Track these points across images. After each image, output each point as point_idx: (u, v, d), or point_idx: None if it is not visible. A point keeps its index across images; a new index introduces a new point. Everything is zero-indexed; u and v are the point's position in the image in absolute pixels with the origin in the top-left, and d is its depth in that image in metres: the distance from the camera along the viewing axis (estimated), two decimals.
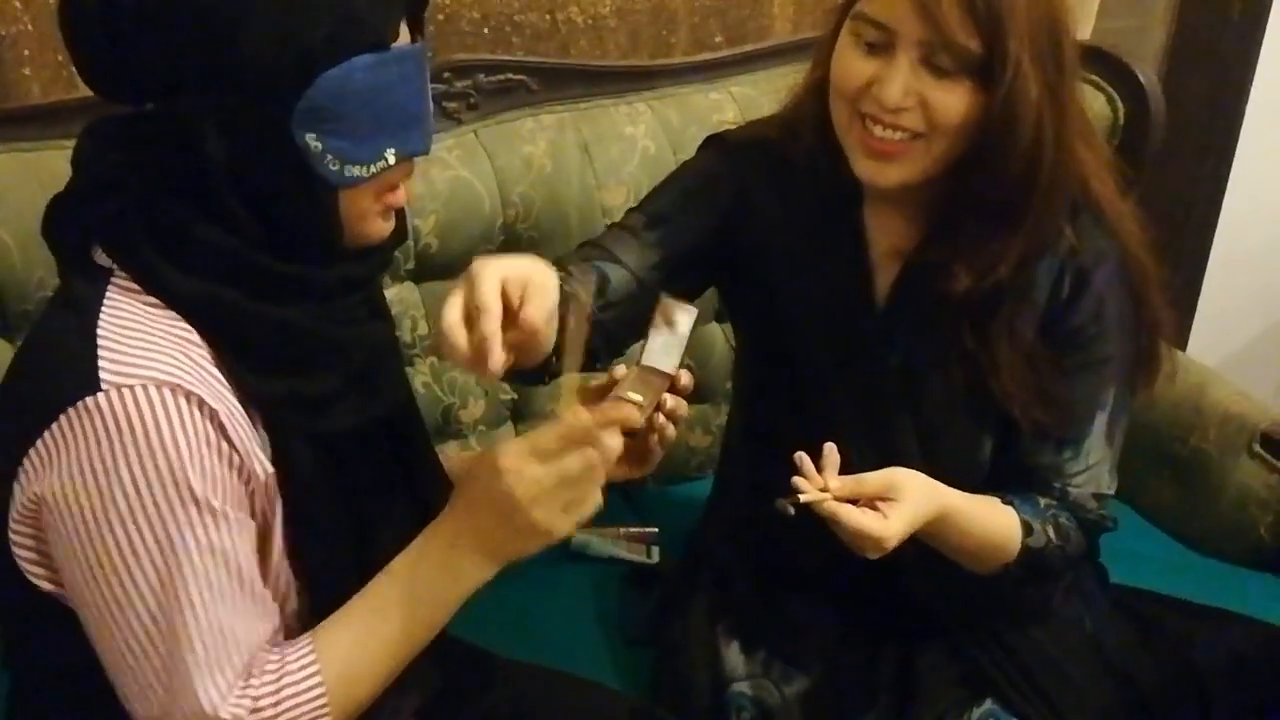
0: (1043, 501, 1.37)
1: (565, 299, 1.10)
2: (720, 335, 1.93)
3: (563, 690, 1.40)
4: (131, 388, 0.96)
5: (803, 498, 1.18)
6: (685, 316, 1.18)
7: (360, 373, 1.11)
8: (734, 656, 1.46)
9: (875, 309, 1.38)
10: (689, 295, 1.22)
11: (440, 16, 1.83)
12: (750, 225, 1.41)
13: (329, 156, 1.00)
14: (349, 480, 1.13)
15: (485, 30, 1.87)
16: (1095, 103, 1.95)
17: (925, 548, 1.30)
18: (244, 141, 0.99)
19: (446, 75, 1.74)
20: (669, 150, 1.84)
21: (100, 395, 0.96)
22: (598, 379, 1.18)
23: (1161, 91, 1.97)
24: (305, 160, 1.00)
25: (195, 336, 1.02)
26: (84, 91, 1.06)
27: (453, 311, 0.99)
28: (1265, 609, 1.62)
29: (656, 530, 1.79)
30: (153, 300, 1.02)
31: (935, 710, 1.38)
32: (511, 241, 1.78)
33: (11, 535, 1.03)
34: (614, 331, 1.34)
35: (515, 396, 1.86)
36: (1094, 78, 1.95)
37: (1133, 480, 1.65)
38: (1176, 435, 1.94)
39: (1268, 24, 2.49)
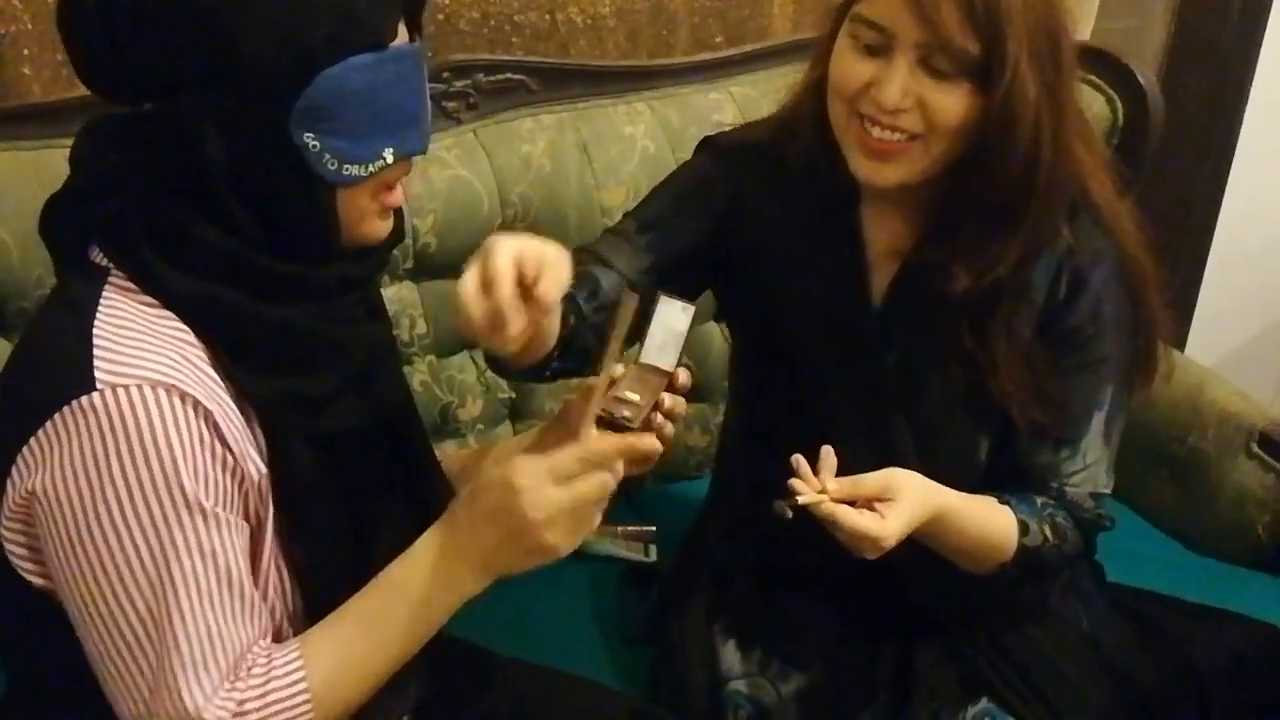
0: (1039, 501, 1.37)
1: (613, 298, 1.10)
2: (718, 334, 1.93)
3: (561, 689, 1.40)
4: (126, 387, 0.97)
5: (800, 499, 1.18)
6: (683, 314, 1.18)
7: (358, 372, 1.11)
8: (730, 655, 1.46)
9: (872, 309, 1.38)
10: (684, 298, 1.22)
11: (440, 16, 1.83)
12: (746, 227, 1.41)
13: (327, 156, 1.01)
14: (347, 480, 1.13)
15: (485, 30, 1.87)
16: (1095, 103, 1.95)
17: (922, 548, 1.30)
18: (242, 141, 0.99)
19: (446, 75, 1.74)
20: (668, 150, 1.85)
21: (95, 395, 0.96)
22: (596, 378, 1.18)
23: (1161, 92, 1.97)
24: (304, 159, 1.00)
25: (191, 337, 1.02)
26: (84, 91, 1.06)
27: (469, 283, 1.00)
28: (1263, 608, 1.63)
29: (654, 529, 1.79)
30: (149, 300, 1.02)
31: (931, 709, 1.38)
32: None
33: (4, 531, 1.03)
34: (607, 335, 1.34)
35: (514, 395, 1.86)
36: (1093, 78, 1.95)
37: (1131, 480, 1.65)
38: (1174, 435, 1.94)
39: (1267, 24, 2.49)
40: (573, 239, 1.66)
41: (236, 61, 0.97)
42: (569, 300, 1.25)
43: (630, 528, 1.79)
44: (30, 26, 1.62)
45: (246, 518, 1.05)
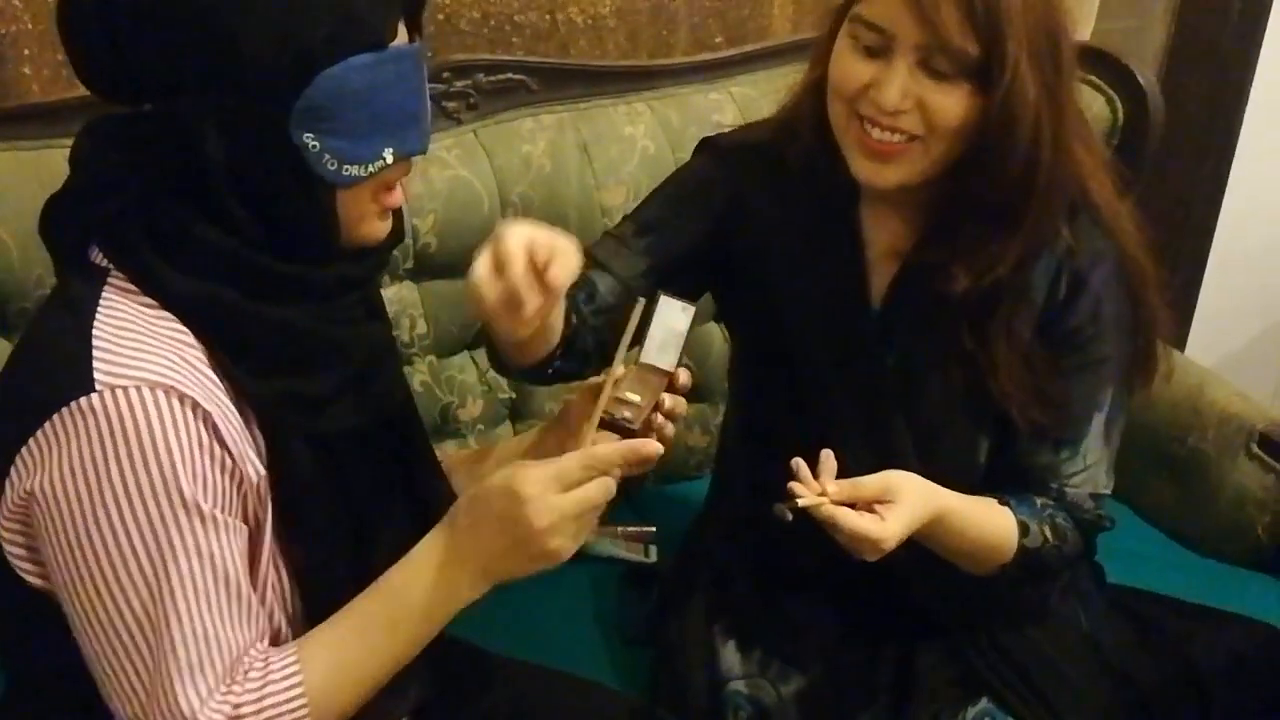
0: (1039, 501, 1.37)
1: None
2: (719, 334, 1.93)
3: (561, 690, 1.40)
4: (125, 389, 0.97)
5: (800, 502, 1.18)
6: (683, 314, 1.18)
7: (358, 373, 1.11)
8: (730, 655, 1.46)
9: (872, 309, 1.38)
10: (685, 298, 1.23)
11: (440, 16, 1.83)
12: (745, 228, 1.41)
13: (327, 156, 1.01)
14: (346, 481, 1.13)
15: (485, 30, 1.87)
16: (1095, 103, 1.96)
17: (922, 549, 1.30)
18: (242, 141, 0.99)
19: (446, 75, 1.74)
20: (668, 150, 1.85)
21: (94, 396, 0.96)
22: (596, 378, 1.19)
23: (1161, 92, 1.97)
24: (303, 160, 1.00)
25: (190, 338, 1.02)
26: (84, 91, 1.06)
27: (482, 266, 1.01)
28: (1263, 609, 1.63)
29: (654, 529, 1.79)
30: (149, 301, 1.02)
31: (931, 709, 1.38)
32: None
33: (3, 532, 1.03)
34: (605, 338, 1.34)
35: (514, 396, 1.86)
36: (1093, 79, 1.95)
37: (1131, 480, 1.65)
38: (1174, 435, 1.94)
39: (1267, 24, 2.49)
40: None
41: (236, 61, 0.97)
42: (569, 300, 1.25)
43: (630, 528, 1.79)
44: (30, 26, 1.62)
45: (245, 520, 1.05)
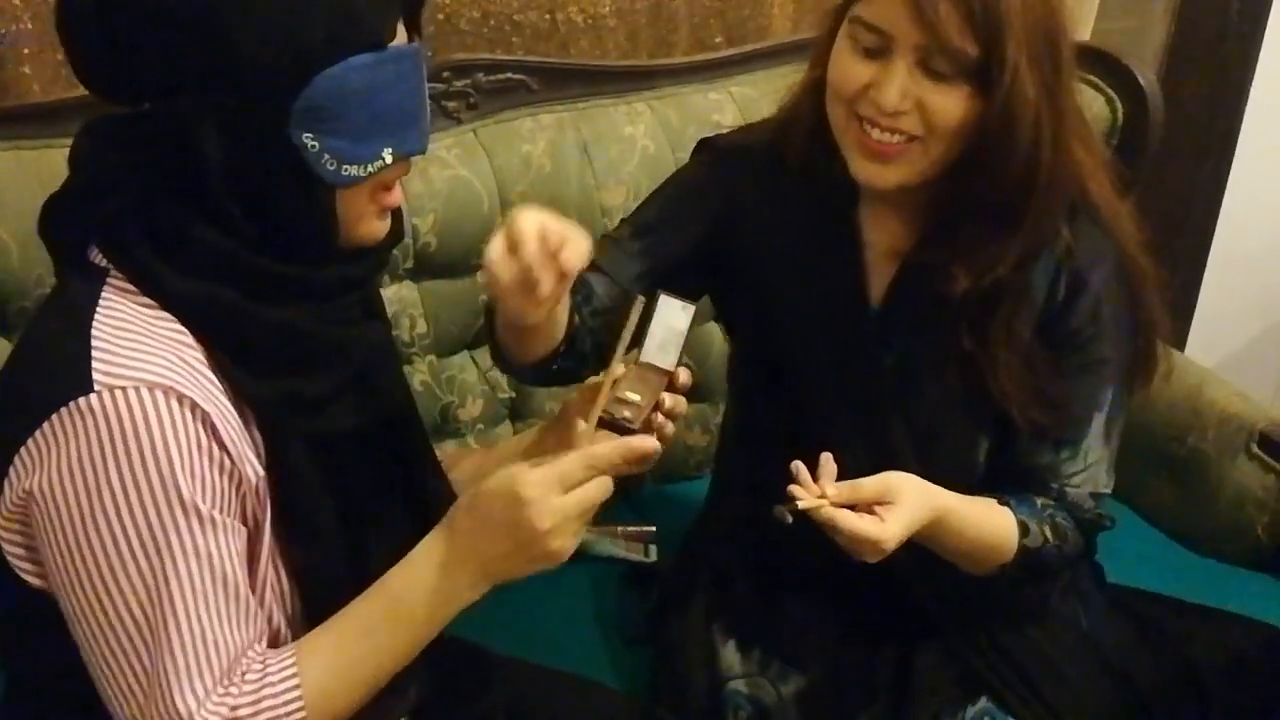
0: (1039, 501, 1.37)
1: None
2: (718, 334, 1.93)
3: (561, 690, 1.41)
4: (124, 389, 0.97)
5: (800, 505, 1.18)
6: (683, 314, 1.18)
7: (358, 373, 1.11)
8: (730, 655, 1.46)
9: (871, 310, 1.38)
10: (684, 298, 1.23)
11: (440, 16, 1.83)
12: (742, 229, 1.41)
13: (326, 156, 1.01)
14: (346, 481, 1.13)
15: (485, 30, 1.87)
16: (1094, 103, 1.96)
17: (922, 550, 1.30)
18: (241, 141, 0.99)
19: (446, 74, 1.74)
20: (668, 150, 1.85)
21: (93, 396, 0.96)
22: (595, 378, 1.19)
23: (1160, 92, 1.97)
24: (302, 160, 1.00)
25: (189, 338, 1.02)
26: (84, 90, 1.06)
27: (496, 247, 1.02)
28: (1262, 609, 1.63)
29: (654, 529, 1.79)
30: (148, 301, 1.02)
31: (930, 709, 1.38)
32: None
33: (1, 532, 1.03)
34: (603, 340, 1.34)
35: (514, 395, 1.86)
36: (1093, 78, 1.95)
37: (1130, 480, 1.65)
38: (1174, 435, 1.94)
39: (1267, 25, 2.49)
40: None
41: (235, 62, 0.97)
42: (570, 298, 1.26)
43: (630, 528, 1.79)
44: (30, 26, 1.62)
45: (244, 520, 1.05)
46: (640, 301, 1.14)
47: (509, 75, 1.79)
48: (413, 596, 1.07)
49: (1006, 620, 1.45)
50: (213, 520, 1.00)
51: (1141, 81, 1.94)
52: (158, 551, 0.98)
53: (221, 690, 1.01)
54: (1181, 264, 2.62)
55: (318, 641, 1.07)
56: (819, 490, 1.19)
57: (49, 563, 1.01)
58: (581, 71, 1.85)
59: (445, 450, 1.44)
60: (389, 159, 1.04)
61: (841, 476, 1.22)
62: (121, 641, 0.99)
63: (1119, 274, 1.34)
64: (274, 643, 1.09)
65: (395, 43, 1.03)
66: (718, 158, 1.46)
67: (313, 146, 1.00)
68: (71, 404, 0.96)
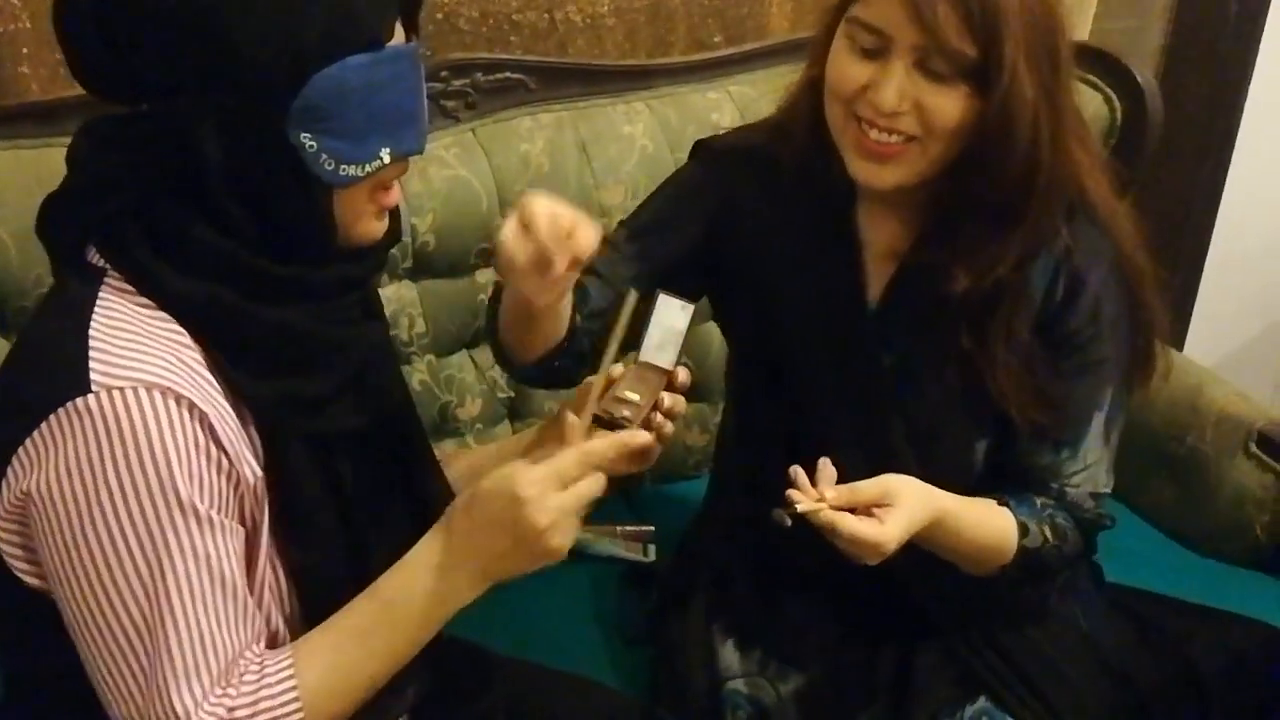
0: (1039, 501, 1.37)
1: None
2: (718, 333, 1.92)
3: (560, 689, 1.41)
4: (122, 390, 0.97)
5: (799, 508, 1.18)
6: (682, 313, 1.18)
7: (357, 373, 1.11)
8: (729, 655, 1.46)
9: (869, 309, 1.38)
10: (683, 297, 1.23)
11: (438, 15, 1.83)
12: (740, 230, 1.41)
13: (324, 156, 1.01)
14: (345, 481, 1.13)
15: (483, 29, 1.87)
16: (1093, 103, 1.96)
17: (921, 551, 1.30)
18: (240, 141, 0.99)
19: (444, 74, 1.74)
20: (667, 150, 1.85)
21: (90, 397, 0.96)
22: (592, 378, 1.19)
23: (1159, 91, 1.97)
24: (300, 160, 1.00)
25: (187, 338, 1.02)
26: (82, 90, 1.06)
27: (509, 228, 1.04)
28: (1262, 608, 1.63)
29: (653, 529, 1.79)
30: (145, 301, 1.02)
31: (929, 709, 1.38)
32: None
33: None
34: (606, 333, 1.34)
35: (512, 394, 1.86)
36: (1092, 78, 1.95)
37: (1129, 480, 1.65)
38: (1173, 435, 1.94)
39: (1265, 24, 2.49)
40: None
41: (233, 62, 0.96)
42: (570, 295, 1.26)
43: (629, 527, 1.79)
44: (29, 25, 1.62)
45: (242, 521, 1.05)
46: (633, 295, 1.14)
47: (507, 74, 1.79)
48: (410, 597, 1.07)
49: (1006, 620, 1.44)
50: (210, 520, 1.00)
51: (1140, 81, 1.94)
52: (155, 552, 0.98)
53: (219, 691, 1.01)
54: (1180, 263, 2.62)
55: (316, 642, 1.07)
56: (817, 494, 1.19)
57: (47, 563, 1.00)
58: (580, 71, 1.85)
59: (443, 449, 1.44)
60: (387, 159, 1.04)
61: (840, 476, 1.22)
62: (119, 642, 0.99)
63: (1117, 273, 1.34)
64: (272, 643, 1.09)
65: (393, 42, 1.03)
66: (714, 159, 1.46)
67: (311, 146, 1.00)
68: (69, 404, 0.96)
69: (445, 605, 1.08)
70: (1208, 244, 2.68)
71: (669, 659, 1.53)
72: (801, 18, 2.05)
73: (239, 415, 1.04)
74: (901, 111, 1.21)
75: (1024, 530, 1.34)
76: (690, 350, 1.84)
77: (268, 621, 1.09)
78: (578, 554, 1.74)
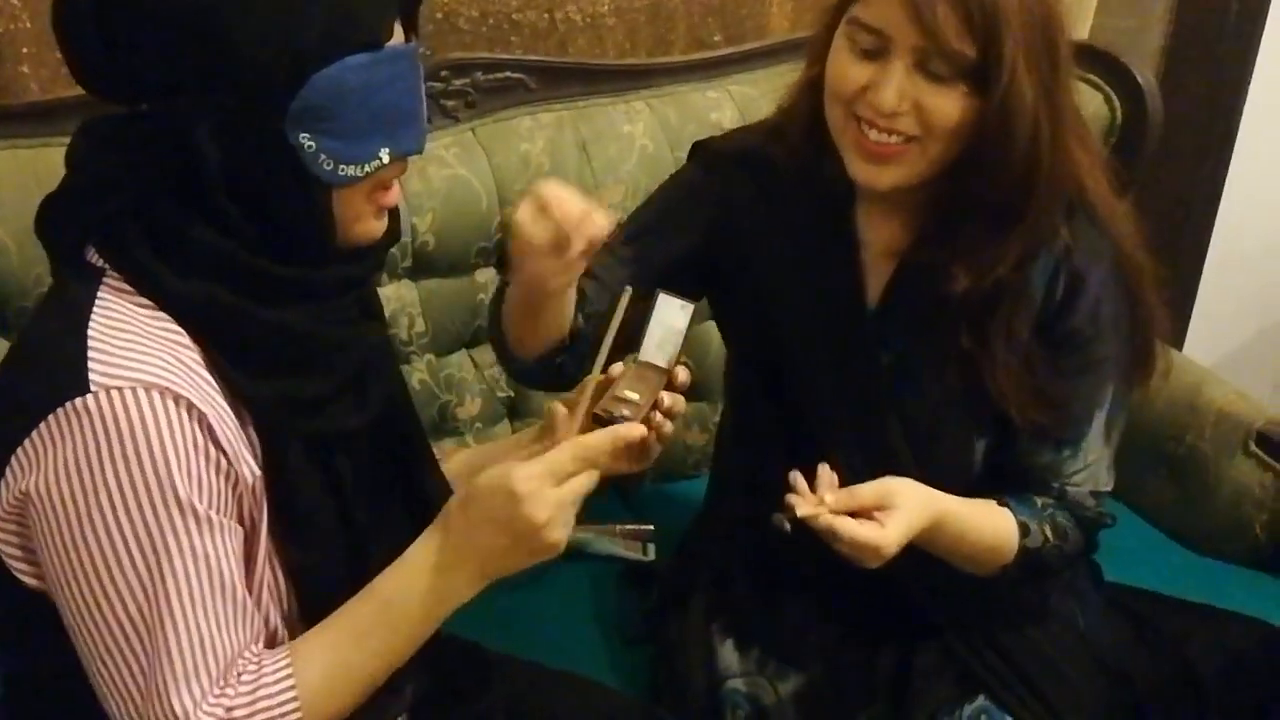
0: (1040, 501, 1.37)
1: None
2: (717, 333, 1.92)
3: (560, 689, 1.40)
4: (120, 390, 0.97)
5: (799, 512, 1.18)
6: (682, 312, 1.18)
7: (356, 373, 1.11)
8: (729, 654, 1.46)
9: (868, 310, 1.38)
10: (683, 297, 1.23)
11: (439, 15, 1.83)
12: (738, 232, 1.41)
13: (323, 156, 1.00)
14: (344, 481, 1.13)
15: (483, 28, 1.87)
16: (1093, 102, 1.96)
17: (920, 551, 1.30)
18: (239, 141, 0.99)
19: (444, 73, 1.74)
20: (667, 149, 1.85)
21: (89, 397, 0.96)
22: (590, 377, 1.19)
23: (1159, 91, 1.97)
24: (299, 160, 1.00)
25: (186, 338, 1.02)
26: (82, 89, 1.06)
27: (525, 211, 1.08)
28: (1260, 608, 1.63)
29: (652, 528, 1.79)
30: (144, 301, 1.02)
31: (928, 708, 1.38)
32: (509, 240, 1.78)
33: None
34: (602, 331, 1.34)
35: (512, 394, 1.86)
36: (1092, 77, 1.95)
37: (1128, 479, 1.65)
38: (1172, 434, 1.94)
39: (1265, 24, 2.49)
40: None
41: (233, 62, 0.96)
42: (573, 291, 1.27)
43: (628, 527, 1.79)
44: (29, 25, 1.62)
45: (240, 521, 1.05)
46: (628, 292, 1.14)
47: (507, 74, 1.79)
48: (408, 596, 1.07)
49: (1005, 620, 1.44)
50: (209, 520, 1.00)
51: (1140, 81, 1.95)
52: (154, 552, 0.98)
53: (218, 691, 1.01)
54: (1180, 263, 2.61)
55: (314, 642, 1.07)
56: (817, 499, 1.19)
57: (46, 563, 1.00)
58: (580, 70, 1.85)
59: (441, 448, 1.44)
60: (386, 159, 1.04)
61: (840, 477, 1.22)
62: (119, 641, 0.99)
63: (1117, 273, 1.34)
64: (271, 643, 1.09)
65: (392, 42, 1.03)
66: (713, 160, 1.46)
67: (309, 146, 1.00)
68: (68, 404, 0.96)
69: (443, 604, 1.08)
70: (1207, 244, 2.68)
71: (668, 658, 1.53)
72: (801, 17, 2.05)
73: (238, 415, 1.04)
74: (901, 112, 1.21)
75: (1025, 530, 1.34)
76: (690, 350, 1.84)
77: (266, 621, 1.09)
78: (577, 553, 1.75)
